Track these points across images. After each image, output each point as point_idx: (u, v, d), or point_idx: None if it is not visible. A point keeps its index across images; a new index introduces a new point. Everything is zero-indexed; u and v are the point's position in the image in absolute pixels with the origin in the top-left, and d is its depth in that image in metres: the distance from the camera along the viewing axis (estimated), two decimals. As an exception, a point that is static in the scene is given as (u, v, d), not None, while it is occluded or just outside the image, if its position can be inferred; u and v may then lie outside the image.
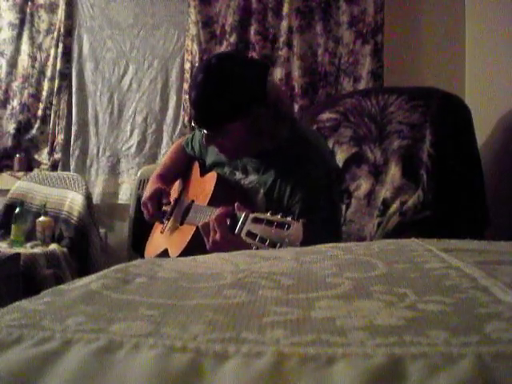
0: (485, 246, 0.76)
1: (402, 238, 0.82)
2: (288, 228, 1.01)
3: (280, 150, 1.36)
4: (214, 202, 1.34)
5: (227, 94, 1.26)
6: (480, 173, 1.83)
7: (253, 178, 1.41)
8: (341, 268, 0.58)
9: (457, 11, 2.56)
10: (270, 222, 1.05)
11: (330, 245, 0.78)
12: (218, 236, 1.16)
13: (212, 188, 1.39)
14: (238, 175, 1.45)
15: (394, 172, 1.90)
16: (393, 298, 0.45)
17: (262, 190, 1.37)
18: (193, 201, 1.49)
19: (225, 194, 1.38)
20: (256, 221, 1.09)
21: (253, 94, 1.29)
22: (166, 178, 1.64)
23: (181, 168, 1.67)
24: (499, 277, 0.50)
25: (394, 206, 1.85)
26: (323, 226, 1.24)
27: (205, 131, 1.33)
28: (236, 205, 1.19)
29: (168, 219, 1.57)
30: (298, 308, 0.43)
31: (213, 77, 1.28)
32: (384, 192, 1.91)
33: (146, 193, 1.57)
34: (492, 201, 1.84)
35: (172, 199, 1.61)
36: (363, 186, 1.96)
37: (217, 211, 1.19)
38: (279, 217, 1.05)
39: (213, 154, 1.52)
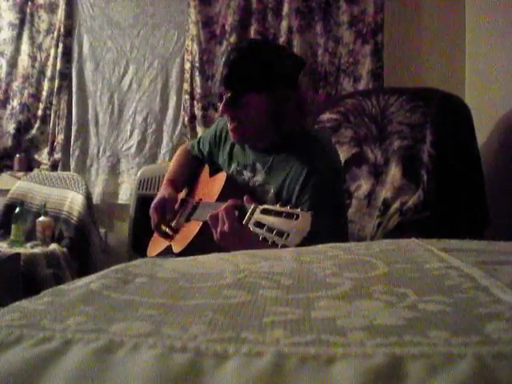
0: (485, 246, 0.76)
1: (402, 238, 0.82)
2: (296, 218, 1.01)
3: (289, 147, 1.37)
4: (222, 199, 1.34)
5: (263, 62, 1.34)
6: (480, 173, 1.83)
7: (260, 177, 1.41)
8: (341, 268, 0.58)
9: (457, 11, 2.56)
10: (278, 213, 1.06)
11: (330, 245, 0.78)
12: (226, 227, 1.17)
13: (221, 186, 1.40)
14: (246, 174, 1.45)
15: (394, 172, 1.90)
16: (393, 298, 0.45)
17: (272, 190, 1.37)
18: (200, 199, 1.50)
19: (233, 192, 1.38)
20: (265, 212, 1.09)
21: (285, 75, 1.36)
22: (176, 183, 1.63)
23: (189, 171, 1.67)
24: (499, 277, 0.50)
25: (395, 206, 1.85)
26: (330, 224, 1.24)
27: (229, 94, 1.34)
28: (245, 197, 1.20)
29: (174, 217, 1.57)
30: (298, 308, 0.43)
31: (255, 46, 1.42)
32: (384, 192, 1.91)
33: (154, 202, 1.57)
34: (492, 201, 1.84)
35: (180, 199, 1.61)
36: (363, 186, 1.96)
37: (225, 205, 1.20)
38: (288, 208, 1.05)
39: (225, 152, 1.53)
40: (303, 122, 1.44)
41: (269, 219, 1.06)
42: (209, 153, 1.62)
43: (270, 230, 1.04)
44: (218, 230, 1.18)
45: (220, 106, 1.39)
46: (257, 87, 1.33)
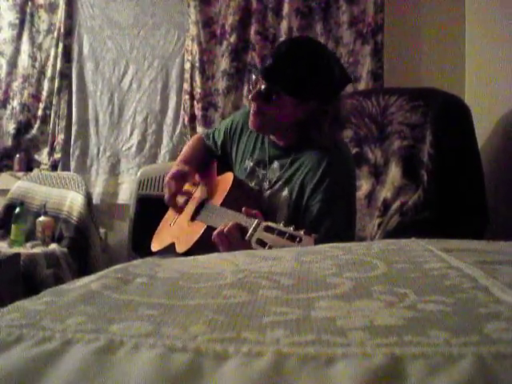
0: (485, 246, 0.76)
1: (402, 238, 0.82)
2: (299, 241, 1.01)
3: (309, 149, 1.37)
4: (227, 203, 1.34)
5: (311, 70, 1.29)
6: (480, 173, 1.83)
7: (275, 175, 1.40)
8: (341, 268, 0.58)
9: (457, 11, 2.56)
10: (281, 233, 1.06)
11: (330, 245, 0.78)
12: (233, 246, 1.17)
13: (227, 189, 1.39)
14: (260, 171, 1.45)
15: (394, 172, 1.90)
16: (393, 297, 0.45)
17: (286, 189, 1.37)
18: (206, 199, 1.50)
19: (238, 196, 1.38)
20: (267, 229, 1.10)
21: (328, 90, 1.33)
22: (190, 165, 1.60)
23: (202, 160, 1.65)
24: (499, 277, 0.50)
25: (395, 207, 1.85)
26: (338, 231, 1.25)
27: (264, 86, 1.31)
28: (244, 209, 1.21)
29: (179, 212, 1.57)
30: (298, 308, 0.43)
31: (309, 48, 1.34)
32: (384, 192, 1.91)
33: (170, 173, 1.54)
34: (492, 201, 1.84)
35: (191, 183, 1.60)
36: (364, 186, 1.96)
37: (228, 226, 1.20)
38: (291, 229, 1.05)
39: (240, 146, 1.52)
40: (335, 136, 1.40)
41: (271, 238, 1.06)
42: (222, 143, 1.60)
43: None
44: (225, 249, 1.19)
45: (252, 92, 1.35)
46: (295, 93, 1.30)
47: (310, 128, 1.35)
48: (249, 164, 1.48)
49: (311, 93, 1.31)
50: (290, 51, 1.31)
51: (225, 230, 1.19)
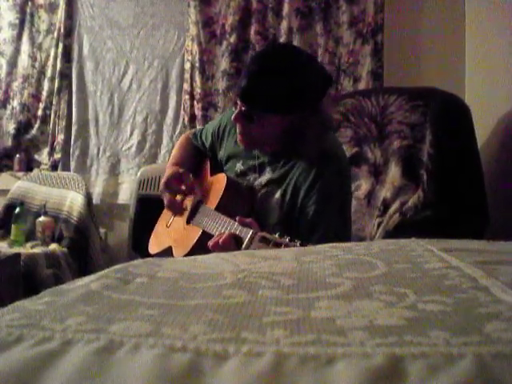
0: (485, 246, 0.76)
1: (402, 238, 0.82)
2: None
3: (300, 151, 1.36)
4: (221, 207, 1.35)
5: (287, 84, 1.26)
6: (480, 173, 1.83)
7: (266, 179, 1.40)
8: (341, 268, 0.58)
9: (457, 11, 2.56)
10: (277, 244, 1.06)
11: (330, 245, 0.78)
12: None
13: (220, 192, 1.39)
14: (251, 175, 1.44)
15: (394, 172, 1.90)
16: (393, 298, 0.45)
17: (278, 192, 1.36)
18: (201, 201, 1.49)
19: (232, 198, 1.39)
20: (263, 241, 1.10)
21: (309, 99, 1.30)
22: (182, 167, 1.58)
23: (192, 161, 1.64)
24: (499, 277, 0.50)
25: (394, 206, 1.85)
26: (335, 232, 1.25)
27: (244, 108, 1.29)
28: (238, 218, 1.21)
29: (175, 214, 1.57)
30: (298, 308, 0.43)
31: (282, 61, 1.29)
32: (384, 192, 1.91)
33: (163, 178, 1.51)
34: (492, 201, 1.83)
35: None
36: (363, 186, 1.96)
37: (223, 237, 1.20)
38: (287, 240, 1.05)
39: (229, 147, 1.51)
40: (324, 139, 1.38)
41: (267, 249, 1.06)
42: (210, 145, 1.59)
43: None
44: None
45: (234, 113, 1.33)
46: (275, 110, 1.28)
47: (294, 138, 1.34)
48: (239, 167, 1.47)
49: (292, 105, 1.29)
50: (262, 68, 1.27)
51: (220, 242, 1.19)
